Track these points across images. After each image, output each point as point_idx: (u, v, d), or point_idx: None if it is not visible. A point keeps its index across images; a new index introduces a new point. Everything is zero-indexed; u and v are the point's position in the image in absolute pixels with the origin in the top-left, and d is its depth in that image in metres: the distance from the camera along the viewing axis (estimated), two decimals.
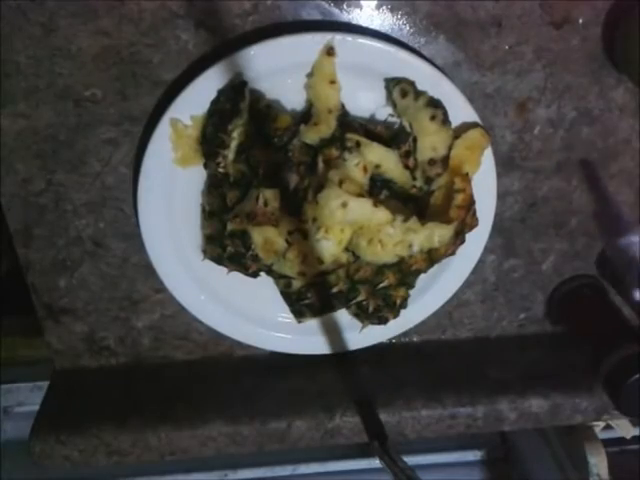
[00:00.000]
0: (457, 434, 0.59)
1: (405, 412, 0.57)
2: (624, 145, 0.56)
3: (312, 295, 0.52)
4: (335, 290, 0.51)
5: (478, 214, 0.51)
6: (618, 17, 0.49)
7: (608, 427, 0.73)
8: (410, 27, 0.49)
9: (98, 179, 0.53)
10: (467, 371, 0.61)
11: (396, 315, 0.54)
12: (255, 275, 0.52)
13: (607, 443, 0.70)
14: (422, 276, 0.53)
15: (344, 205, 0.46)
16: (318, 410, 0.57)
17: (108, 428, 0.56)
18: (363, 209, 0.46)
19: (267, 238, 0.48)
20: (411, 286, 0.53)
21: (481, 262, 0.57)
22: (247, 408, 0.57)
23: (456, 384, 0.59)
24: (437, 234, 0.48)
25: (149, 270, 0.55)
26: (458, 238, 0.50)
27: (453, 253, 0.51)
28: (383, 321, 0.54)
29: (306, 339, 0.58)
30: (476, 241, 0.54)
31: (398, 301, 0.53)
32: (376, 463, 0.53)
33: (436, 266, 0.52)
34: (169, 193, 0.51)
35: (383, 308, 0.53)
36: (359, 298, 0.51)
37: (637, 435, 0.74)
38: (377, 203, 0.46)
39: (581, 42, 0.51)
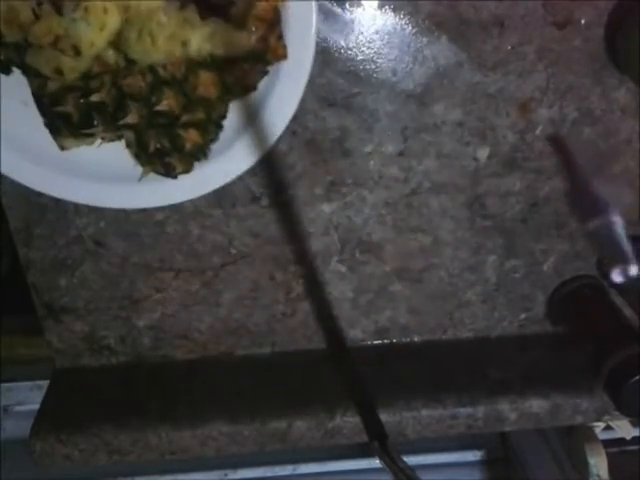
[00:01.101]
0: (457, 434, 0.59)
1: (405, 412, 0.57)
2: (625, 145, 0.56)
3: (69, 102, 0.42)
4: (96, 99, 0.42)
5: (296, 48, 0.43)
6: (620, 18, 0.49)
7: (608, 428, 0.74)
8: (412, 27, 0.49)
9: None
10: (467, 371, 0.60)
11: (188, 167, 0.45)
12: (7, 70, 0.43)
13: (607, 444, 0.70)
14: (226, 128, 0.46)
15: None
16: (318, 410, 0.57)
17: (108, 427, 0.56)
18: None
19: (11, 6, 0.39)
20: (206, 131, 0.45)
21: (482, 262, 0.57)
22: (247, 408, 0.57)
23: (456, 384, 0.59)
24: (222, 37, 0.40)
25: (150, 269, 0.55)
26: (258, 62, 0.43)
27: (254, 87, 0.44)
28: (171, 170, 0.45)
29: (97, 187, 0.49)
30: (291, 87, 0.45)
31: (188, 146, 0.44)
32: (376, 463, 0.53)
33: (242, 117, 0.45)
34: None
35: (171, 152, 0.44)
36: (129, 118, 0.43)
37: (637, 436, 0.74)
38: None
39: (583, 43, 0.51)
